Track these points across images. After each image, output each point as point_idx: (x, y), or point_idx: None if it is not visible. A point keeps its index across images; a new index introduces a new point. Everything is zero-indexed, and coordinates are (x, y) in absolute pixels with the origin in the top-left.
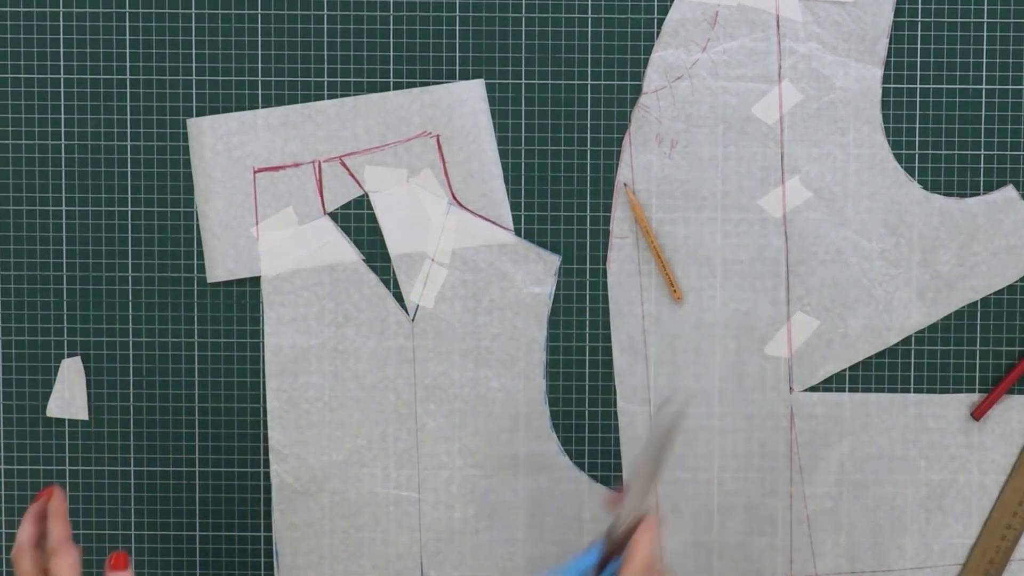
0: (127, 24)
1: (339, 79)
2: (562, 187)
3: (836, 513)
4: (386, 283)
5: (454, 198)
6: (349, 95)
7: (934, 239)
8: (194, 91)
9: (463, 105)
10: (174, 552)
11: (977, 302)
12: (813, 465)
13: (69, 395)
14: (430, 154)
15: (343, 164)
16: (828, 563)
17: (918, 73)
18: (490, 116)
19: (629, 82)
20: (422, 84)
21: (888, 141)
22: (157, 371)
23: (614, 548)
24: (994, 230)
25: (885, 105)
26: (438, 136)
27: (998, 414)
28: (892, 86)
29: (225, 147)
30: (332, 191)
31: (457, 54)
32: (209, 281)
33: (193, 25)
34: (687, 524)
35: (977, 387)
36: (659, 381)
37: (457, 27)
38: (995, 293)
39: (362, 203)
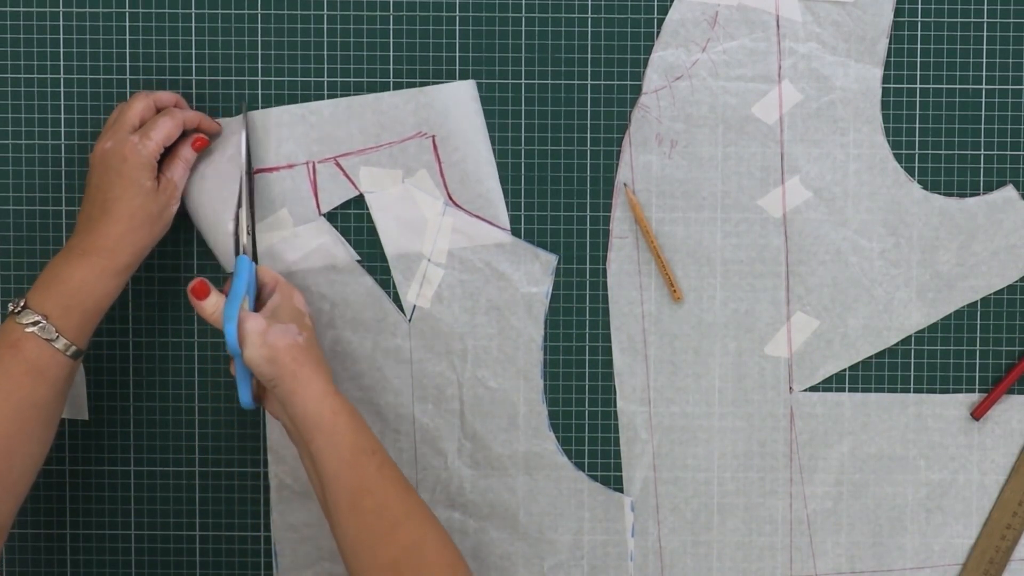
0: (127, 24)
1: (339, 79)
2: (562, 187)
3: (836, 513)
4: (383, 284)
5: (450, 198)
6: (349, 95)
7: (934, 239)
8: (194, 91)
9: (458, 105)
10: (174, 552)
11: (977, 302)
12: (813, 465)
13: (69, 395)
14: (426, 154)
15: (338, 165)
16: (828, 563)
17: (918, 73)
18: (483, 116)
19: (629, 82)
20: (422, 84)
21: (888, 141)
22: (157, 371)
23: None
24: (994, 230)
25: (885, 105)
26: (434, 136)
27: (998, 414)
28: (892, 86)
29: (222, 148)
30: (327, 192)
31: (457, 54)
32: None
33: (193, 25)
34: (687, 524)
35: (977, 387)
36: (659, 381)
37: (457, 27)
38: (995, 293)
39: (358, 204)
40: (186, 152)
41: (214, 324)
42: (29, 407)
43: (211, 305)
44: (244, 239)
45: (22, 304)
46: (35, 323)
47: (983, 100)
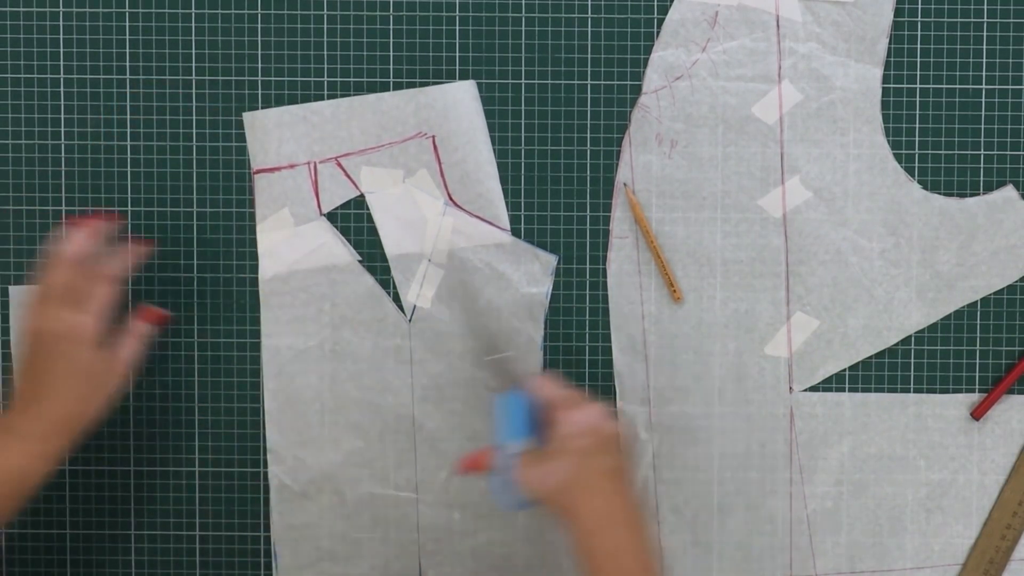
0: (127, 24)
1: (339, 79)
2: (562, 187)
3: (836, 513)
4: (383, 284)
5: (450, 198)
6: (349, 95)
7: (934, 239)
8: (194, 91)
9: (458, 106)
10: (174, 552)
11: (977, 302)
12: (813, 465)
13: None
14: (426, 155)
15: (339, 165)
16: (828, 563)
17: (918, 73)
18: (483, 116)
19: (629, 82)
20: (422, 85)
21: (888, 141)
22: (157, 371)
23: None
24: (994, 230)
25: (885, 105)
26: (434, 137)
27: (998, 414)
28: (892, 86)
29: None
30: (328, 192)
31: (457, 54)
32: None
33: (193, 25)
34: (687, 524)
35: (977, 387)
36: (659, 381)
37: (457, 27)
38: (995, 293)
39: (358, 204)
40: (139, 328)
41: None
42: None
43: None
44: (489, 380)
45: None
46: None
47: (983, 100)
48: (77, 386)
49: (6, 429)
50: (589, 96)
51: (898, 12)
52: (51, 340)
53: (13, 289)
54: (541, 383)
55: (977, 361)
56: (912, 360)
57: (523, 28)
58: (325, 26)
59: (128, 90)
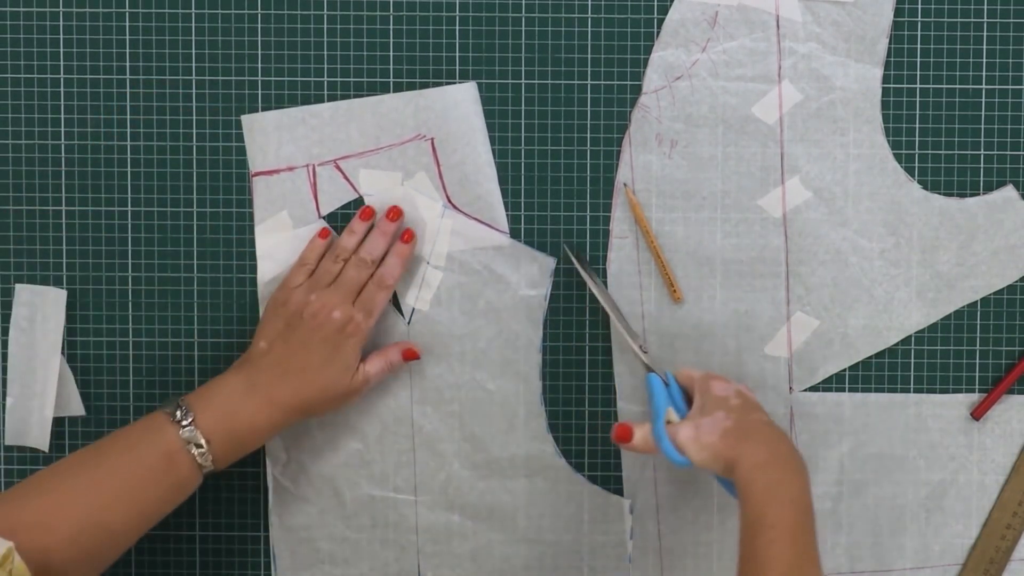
0: (127, 24)
1: (339, 79)
2: (562, 187)
3: (836, 513)
4: None
5: (449, 201)
6: (349, 95)
7: (934, 239)
8: (194, 91)
9: (457, 108)
10: (174, 552)
11: (977, 302)
12: (813, 465)
13: (66, 394)
14: (425, 157)
15: (338, 167)
16: (828, 563)
17: (918, 73)
18: (483, 118)
19: (629, 82)
20: (422, 85)
21: (888, 141)
22: (157, 371)
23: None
24: (994, 230)
25: (885, 105)
26: (432, 139)
27: (998, 414)
28: (892, 86)
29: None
30: (327, 194)
31: (457, 54)
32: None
33: (193, 25)
34: (687, 524)
35: (977, 387)
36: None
37: (457, 28)
38: (995, 293)
39: (357, 206)
40: (395, 357)
41: (650, 452)
42: (158, 517)
43: (640, 440)
44: (643, 357)
45: (191, 419)
46: (199, 447)
47: (983, 100)
48: (332, 378)
49: (253, 386)
50: (589, 96)
51: (898, 12)
52: (328, 326)
53: (19, 288)
54: (684, 369)
55: (977, 361)
56: (912, 360)
57: (523, 28)
58: (325, 27)
59: (128, 90)
